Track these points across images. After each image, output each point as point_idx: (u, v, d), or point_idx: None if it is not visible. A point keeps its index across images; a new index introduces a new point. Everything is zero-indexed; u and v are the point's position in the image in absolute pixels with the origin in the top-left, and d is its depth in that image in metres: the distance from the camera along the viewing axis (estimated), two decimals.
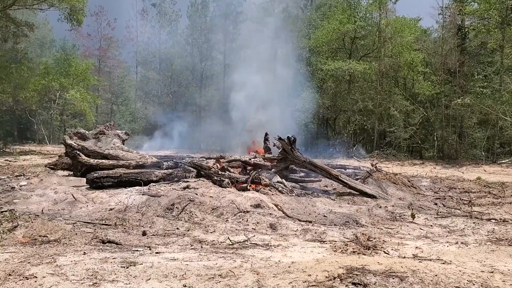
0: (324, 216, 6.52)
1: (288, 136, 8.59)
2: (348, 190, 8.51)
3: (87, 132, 10.72)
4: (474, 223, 6.16)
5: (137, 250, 4.33)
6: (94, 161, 9.34)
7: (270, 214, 6.36)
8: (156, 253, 4.22)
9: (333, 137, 29.88)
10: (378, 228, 5.84)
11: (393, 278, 3.32)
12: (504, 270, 3.67)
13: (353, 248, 4.40)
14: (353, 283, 3.20)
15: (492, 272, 3.59)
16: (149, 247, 4.49)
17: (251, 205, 6.69)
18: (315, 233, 5.37)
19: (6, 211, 5.94)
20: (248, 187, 8.02)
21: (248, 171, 8.92)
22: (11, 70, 26.09)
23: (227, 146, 32.08)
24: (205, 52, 37.41)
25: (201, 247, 4.56)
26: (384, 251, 4.34)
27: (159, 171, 8.78)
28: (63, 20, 24.09)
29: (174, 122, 34.52)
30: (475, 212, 7.07)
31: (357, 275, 3.36)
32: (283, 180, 8.74)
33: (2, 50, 26.16)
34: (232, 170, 8.90)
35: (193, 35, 38.50)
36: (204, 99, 36.58)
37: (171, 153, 23.05)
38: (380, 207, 7.28)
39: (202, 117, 36.08)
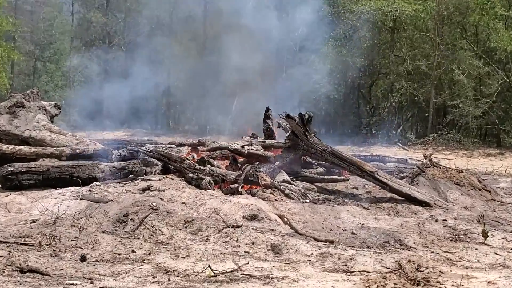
0: (353, 233, 6.48)
1: (301, 113, 8.51)
2: (389, 195, 8.44)
3: None
4: None
5: (73, 284, 4.30)
6: (8, 147, 9.19)
7: (272, 230, 6.32)
8: None
9: (368, 114, 29.72)
10: (432, 252, 5.82)
11: None
12: None
13: (394, 283, 4.39)
14: None
15: None
16: (90, 279, 4.45)
17: (244, 217, 6.64)
18: (339, 259, 5.35)
19: None
20: (240, 189, 7.90)
21: (240, 165, 8.87)
22: None
23: (210, 126, 31.82)
24: None
25: (169, 279, 4.53)
26: None
27: (106, 163, 8.71)
28: None
29: (129, 89, 34.15)
30: None
31: None
32: (293, 178, 8.67)
33: None
34: (216, 163, 8.86)
35: None
36: (175, 54, 36.25)
37: (124, 136, 22.81)
38: (436, 220, 7.23)
39: (172, 80, 35.76)
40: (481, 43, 27.87)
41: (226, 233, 6.04)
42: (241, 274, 4.73)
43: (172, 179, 8.17)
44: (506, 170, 15.13)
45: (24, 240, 5.63)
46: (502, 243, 6.28)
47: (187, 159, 8.60)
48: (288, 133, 8.80)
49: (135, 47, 39.33)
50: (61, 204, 6.95)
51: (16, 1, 44.24)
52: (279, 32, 28.94)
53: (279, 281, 4.57)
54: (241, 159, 9.12)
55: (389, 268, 4.98)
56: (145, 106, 31.17)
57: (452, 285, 4.47)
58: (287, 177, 8.62)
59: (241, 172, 8.41)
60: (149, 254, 5.36)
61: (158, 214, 6.44)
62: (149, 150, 8.85)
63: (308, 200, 8.01)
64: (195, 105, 32.80)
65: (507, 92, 27.11)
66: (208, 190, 7.85)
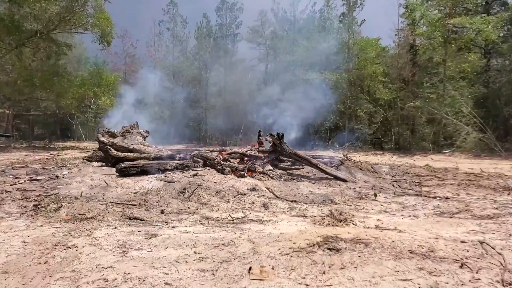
0: (306, 196, 6.48)
1: (277, 133, 8.50)
2: (325, 176, 8.42)
3: (115, 131, 10.58)
4: (423, 200, 6.16)
5: (157, 225, 4.32)
6: (121, 154, 9.20)
7: (263, 195, 6.30)
8: (172, 227, 4.22)
9: (314, 133, 29.67)
10: (348, 205, 5.83)
11: (360, 244, 3.35)
12: (446, 237, 3.72)
13: (328, 221, 4.41)
14: (328, 249, 3.23)
15: (437, 238, 3.64)
16: (166, 222, 4.48)
17: (247, 189, 6.62)
18: (299, 210, 5.35)
19: (52, 194, 5.88)
20: (245, 174, 7.90)
21: (245, 161, 8.78)
22: (54, 82, 25.71)
23: (229, 140, 31.91)
24: (209, 65, 37.12)
25: (208, 222, 4.54)
26: (352, 223, 4.36)
27: (173, 161, 8.61)
28: (96, 41, 23.84)
29: (185, 122, 34.25)
30: (424, 192, 7.08)
31: (331, 242, 3.39)
32: (274, 168, 8.63)
33: (47, 65, 25.73)
34: (232, 160, 8.76)
35: (199, 52, 38.22)
36: (209, 103, 36.31)
37: (183, 147, 22.74)
38: (350, 189, 7.25)
39: (208, 117, 35.81)
40: (371, 95, 27.82)
41: (238, 197, 6.01)
42: (246, 219, 4.71)
43: (208, 169, 8.06)
44: (385, 162, 15.17)
45: (131, 202, 5.59)
46: (384, 200, 6.29)
47: (216, 158, 8.48)
48: (271, 144, 8.64)
49: (188, 100, 38.85)
50: (149, 184, 6.88)
51: (125, 77, 43.59)
52: (268, 92, 28.67)
53: (267, 222, 4.57)
54: (246, 158, 8.94)
55: (325, 213, 4.99)
56: (194, 130, 31.12)
57: (359, 221, 4.50)
58: (271, 167, 8.53)
59: (246, 165, 8.32)
60: (197, 209, 5.32)
61: (201, 188, 6.36)
62: (196, 154, 8.79)
63: (282, 180, 7.95)
64: (220, 130, 32.73)
65: (385, 121, 27.20)
66: (228, 175, 7.74)
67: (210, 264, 2.93)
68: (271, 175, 8.08)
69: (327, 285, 2.55)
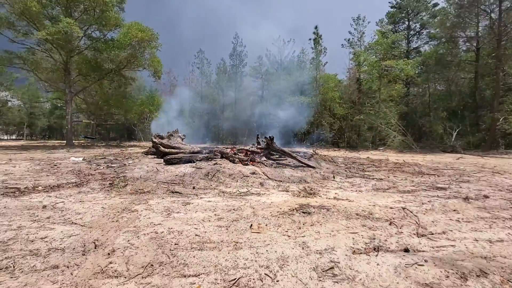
0: (288, 178, 6.33)
1: (270, 136, 8.36)
2: (301, 164, 8.19)
3: (163, 135, 10.48)
4: (365, 180, 6.08)
5: (190, 196, 4.26)
6: (167, 150, 9.06)
7: (260, 177, 6.18)
8: (200, 198, 4.15)
9: (293, 136, 29.47)
10: (316, 183, 5.74)
11: (323, 209, 3.32)
12: (381, 204, 3.67)
13: (303, 194, 4.37)
14: (303, 212, 3.20)
15: (374, 206, 3.60)
16: (196, 195, 4.41)
17: (250, 173, 6.44)
18: (283, 187, 5.27)
19: (121, 176, 5.85)
20: (248, 163, 7.63)
21: (248, 155, 8.56)
22: (123, 102, 25.77)
23: (237, 141, 31.75)
24: (225, 91, 36.95)
25: (224, 195, 4.48)
26: (318, 195, 4.31)
27: (201, 154, 8.43)
28: (150, 76, 23.79)
29: (209, 129, 34.04)
30: (366, 175, 6.99)
31: (305, 208, 3.36)
32: (267, 160, 8.44)
33: (118, 92, 25.78)
34: (239, 154, 8.49)
35: (218, 83, 38.12)
36: (224, 115, 36.09)
37: (207, 145, 22.59)
38: (317, 173, 7.12)
39: (223, 125, 35.61)
40: (331, 111, 27.53)
41: (243, 178, 5.88)
42: (249, 193, 4.61)
43: (224, 160, 7.81)
44: (341, 155, 15.02)
45: (173, 181, 5.50)
46: (340, 180, 6.18)
47: (229, 153, 8.27)
48: (265, 143, 8.47)
49: (210, 115, 38.63)
50: (185, 169, 6.71)
51: (170, 100, 43.49)
52: (263, 109, 28.51)
53: (262, 195, 4.49)
54: (249, 153, 8.54)
55: (301, 189, 4.90)
56: (215, 134, 30.77)
57: (323, 194, 4.45)
58: (265, 159, 8.36)
59: (249, 157, 8.11)
60: (217, 186, 5.21)
61: (219, 172, 6.22)
62: (216, 150, 8.62)
63: (272, 167, 7.66)
64: (232, 134, 32.44)
65: (341, 128, 26.97)
66: (237, 164, 7.43)
67: (225, 222, 2.89)
68: (265, 163, 7.82)
69: (302, 236, 2.52)
